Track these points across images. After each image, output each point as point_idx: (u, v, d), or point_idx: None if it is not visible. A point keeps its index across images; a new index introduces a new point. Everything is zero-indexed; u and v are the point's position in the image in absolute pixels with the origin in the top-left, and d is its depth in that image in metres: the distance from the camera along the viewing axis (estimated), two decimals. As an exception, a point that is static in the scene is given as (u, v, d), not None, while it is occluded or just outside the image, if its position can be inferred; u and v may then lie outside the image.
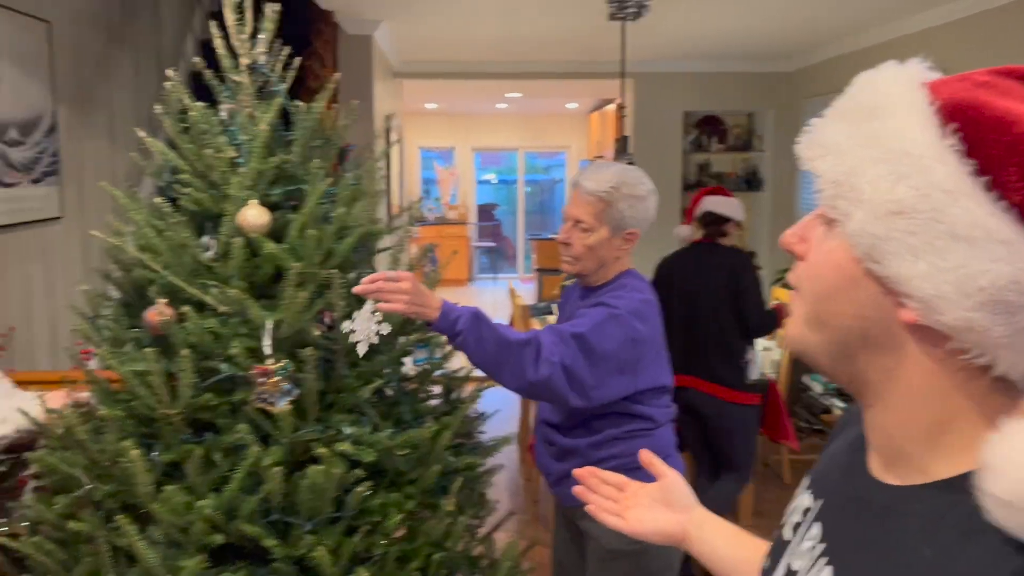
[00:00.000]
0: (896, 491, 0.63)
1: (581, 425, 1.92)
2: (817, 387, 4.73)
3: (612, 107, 9.22)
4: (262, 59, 1.85)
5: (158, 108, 1.82)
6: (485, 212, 12.97)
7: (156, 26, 4.38)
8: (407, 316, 1.70)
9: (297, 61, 1.91)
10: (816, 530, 0.70)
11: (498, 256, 12.95)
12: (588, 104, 10.82)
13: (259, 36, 1.84)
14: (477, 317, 1.69)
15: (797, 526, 0.75)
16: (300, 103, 1.85)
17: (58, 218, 3.28)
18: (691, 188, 7.79)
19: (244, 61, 1.82)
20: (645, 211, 1.93)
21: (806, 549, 0.70)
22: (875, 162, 0.58)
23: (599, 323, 1.80)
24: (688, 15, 5.21)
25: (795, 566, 0.71)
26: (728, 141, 7.82)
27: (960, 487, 0.57)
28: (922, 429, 0.61)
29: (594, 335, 1.77)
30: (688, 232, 3.53)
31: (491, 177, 13.08)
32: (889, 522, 0.61)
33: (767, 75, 7.37)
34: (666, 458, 1.92)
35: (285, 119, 1.89)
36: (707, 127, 7.79)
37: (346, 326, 1.65)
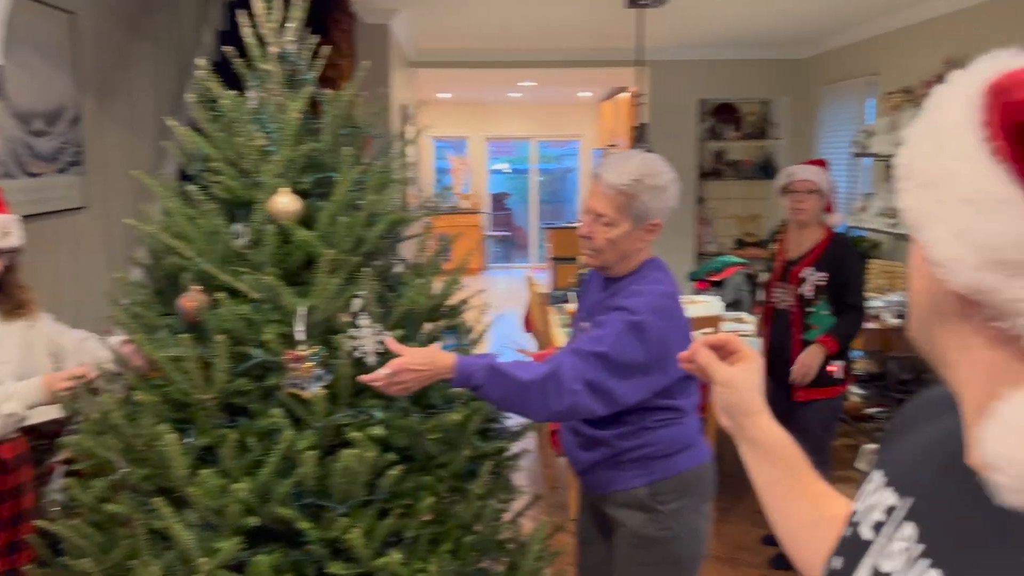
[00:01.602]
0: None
1: (608, 418, 1.92)
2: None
3: (625, 96, 9.20)
4: (290, 48, 1.86)
5: (189, 97, 1.84)
6: (497, 201, 12.98)
7: (175, 17, 4.40)
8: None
9: (326, 50, 1.93)
10: (909, 530, 0.66)
11: (511, 245, 12.97)
12: (601, 93, 10.78)
13: (287, 25, 1.86)
14: (493, 369, 1.68)
15: (879, 525, 0.71)
16: (329, 91, 1.86)
17: (82, 208, 3.32)
18: (706, 176, 7.78)
19: (273, 50, 1.83)
20: (667, 201, 1.91)
21: (899, 550, 0.66)
22: (923, 138, 0.63)
23: (620, 334, 1.78)
24: (704, 2, 5.19)
25: (885, 567, 0.67)
26: (743, 129, 7.79)
27: None
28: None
29: (616, 350, 1.77)
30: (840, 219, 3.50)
31: (503, 167, 13.08)
32: (1009, 524, 0.57)
33: (782, 62, 7.34)
34: (691, 446, 1.94)
35: (311, 107, 1.91)
36: (722, 115, 7.77)
37: (349, 344, 1.65)
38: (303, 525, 1.58)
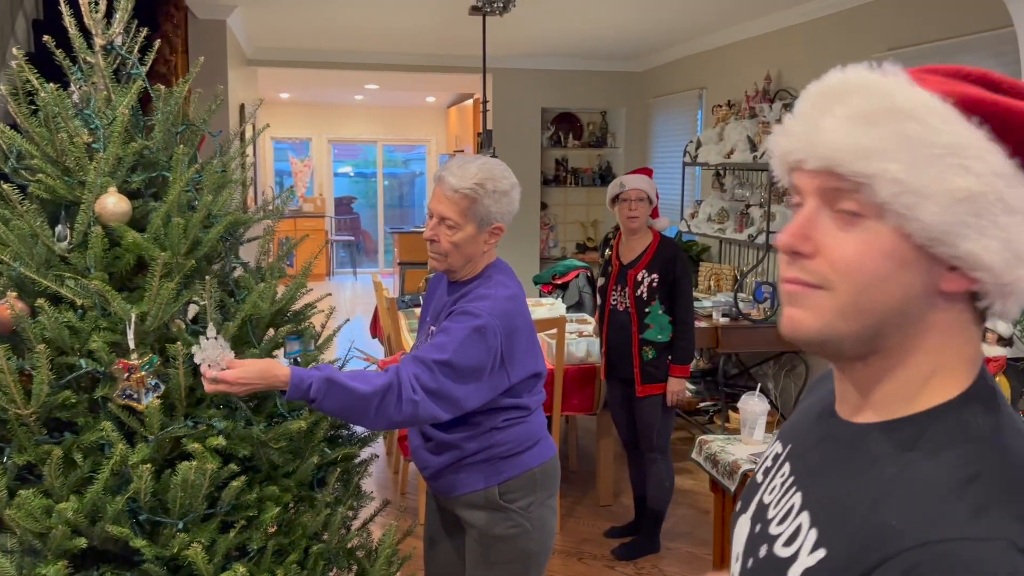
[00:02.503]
0: (867, 428, 0.73)
1: (457, 420, 1.94)
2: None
3: (470, 102, 9.29)
4: (118, 40, 1.76)
5: (1, 88, 1.70)
6: (342, 205, 12.75)
7: (-18, 2, 4.03)
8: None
9: (157, 44, 1.84)
10: (786, 468, 0.81)
11: (357, 250, 12.77)
12: (446, 98, 10.84)
13: (114, 16, 1.76)
14: (329, 381, 1.64)
15: (768, 470, 0.86)
16: (162, 87, 1.78)
17: None
18: (549, 183, 7.98)
19: (99, 42, 1.73)
20: (510, 204, 1.95)
21: (777, 485, 0.81)
22: (933, 158, 0.65)
23: (463, 341, 1.80)
24: (545, 13, 5.33)
25: (766, 500, 0.81)
26: (584, 137, 8.05)
27: (930, 420, 0.69)
28: (921, 375, 0.70)
29: (460, 356, 1.78)
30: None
31: (347, 170, 12.86)
32: (856, 450, 0.72)
33: (619, 74, 7.65)
34: (539, 441, 1.99)
35: (141, 103, 1.81)
36: (564, 123, 8.00)
37: (195, 353, 1.59)
38: (138, 543, 1.50)
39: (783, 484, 0.80)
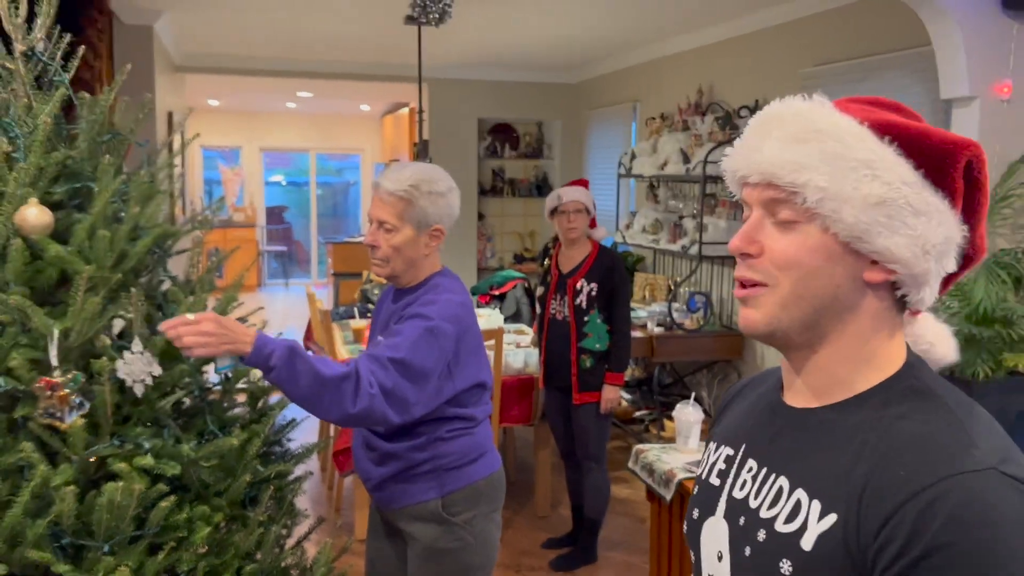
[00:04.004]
0: (828, 409, 0.83)
1: (402, 430, 1.92)
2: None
3: (406, 111, 9.25)
4: (40, 45, 1.70)
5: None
6: (274, 215, 12.52)
7: None
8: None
9: (81, 50, 1.78)
10: (751, 464, 0.89)
11: (289, 261, 12.56)
12: (381, 107, 10.77)
13: (36, 21, 1.70)
14: (292, 352, 1.63)
15: (723, 472, 0.93)
16: (86, 95, 1.72)
17: None
18: (486, 193, 7.99)
19: (19, 47, 1.66)
20: (447, 207, 1.96)
21: (747, 480, 0.88)
22: (850, 170, 0.78)
23: (416, 341, 1.80)
24: (481, 24, 5.35)
25: (739, 495, 0.88)
26: (520, 148, 8.10)
27: (885, 392, 0.81)
28: (862, 357, 0.82)
29: (413, 355, 1.78)
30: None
31: (279, 179, 12.64)
32: (830, 429, 0.82)
33: (554, 86, 7.73)
34: (485, 453, 1.98)
35: (64, 112, 1.75)
36: (500, 134, 8.03)
37: (119, 367, 1.54)
38: (60, 568, 1.44)
39: (755, 477, 0.87)
